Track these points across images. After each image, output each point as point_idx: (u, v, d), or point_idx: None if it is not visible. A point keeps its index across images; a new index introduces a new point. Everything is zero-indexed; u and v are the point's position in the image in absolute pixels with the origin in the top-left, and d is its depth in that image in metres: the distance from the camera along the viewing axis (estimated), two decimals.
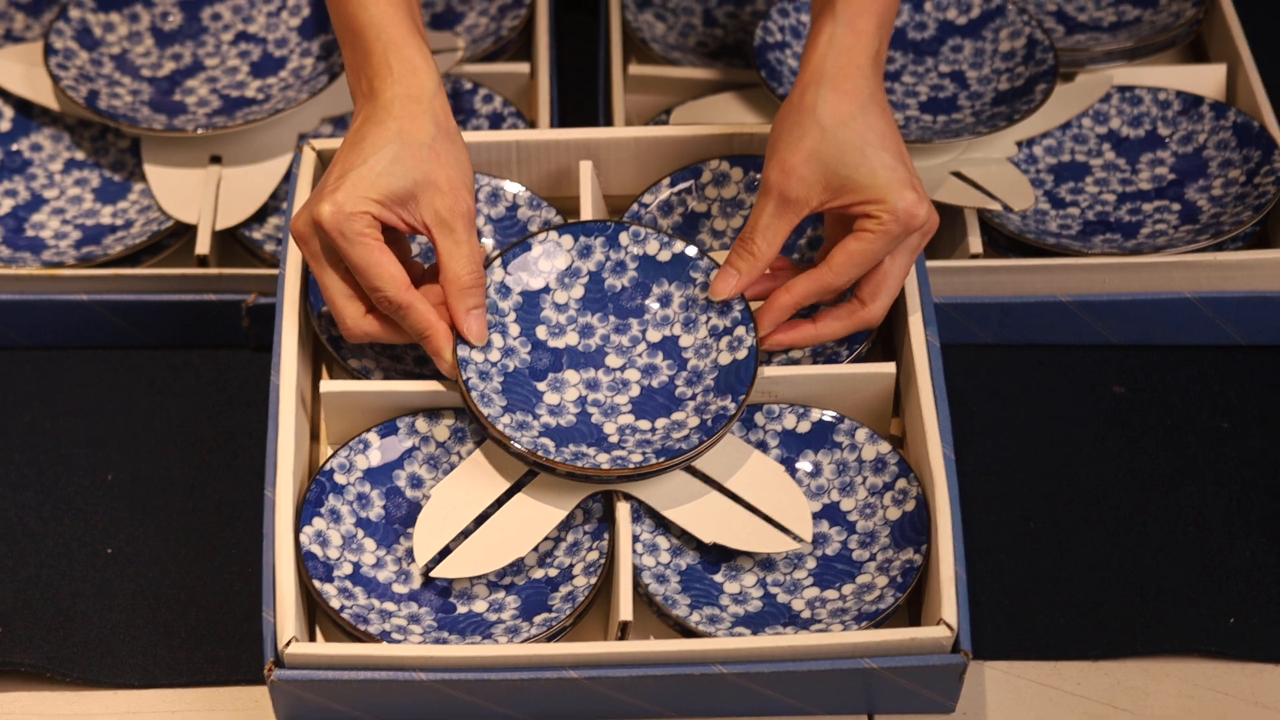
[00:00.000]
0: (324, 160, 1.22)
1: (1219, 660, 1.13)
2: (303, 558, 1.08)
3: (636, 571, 1.09)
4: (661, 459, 1.08)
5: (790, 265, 1.17)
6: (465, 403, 1.10)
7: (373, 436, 1.14)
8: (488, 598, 1.10)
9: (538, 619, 1.08)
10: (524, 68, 1.39)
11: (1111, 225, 1.31)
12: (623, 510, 1.10)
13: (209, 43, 1.40)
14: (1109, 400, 1.26)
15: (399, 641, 1.06)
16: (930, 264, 1.25)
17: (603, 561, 1.09)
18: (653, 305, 1.16)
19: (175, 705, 1.11)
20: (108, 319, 1.27)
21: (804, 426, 1.15)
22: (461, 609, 1.10)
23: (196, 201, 1.30)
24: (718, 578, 1.11)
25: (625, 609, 1.06)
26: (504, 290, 1.15)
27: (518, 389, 1.13)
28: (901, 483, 1.12)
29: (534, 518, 1.10)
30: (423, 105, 1.10)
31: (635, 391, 1.14)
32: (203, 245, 1.28)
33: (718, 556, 1.12)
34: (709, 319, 1.15)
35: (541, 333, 1.15)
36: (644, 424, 1.12)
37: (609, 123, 1.38)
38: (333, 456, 1.13)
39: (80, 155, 1.37)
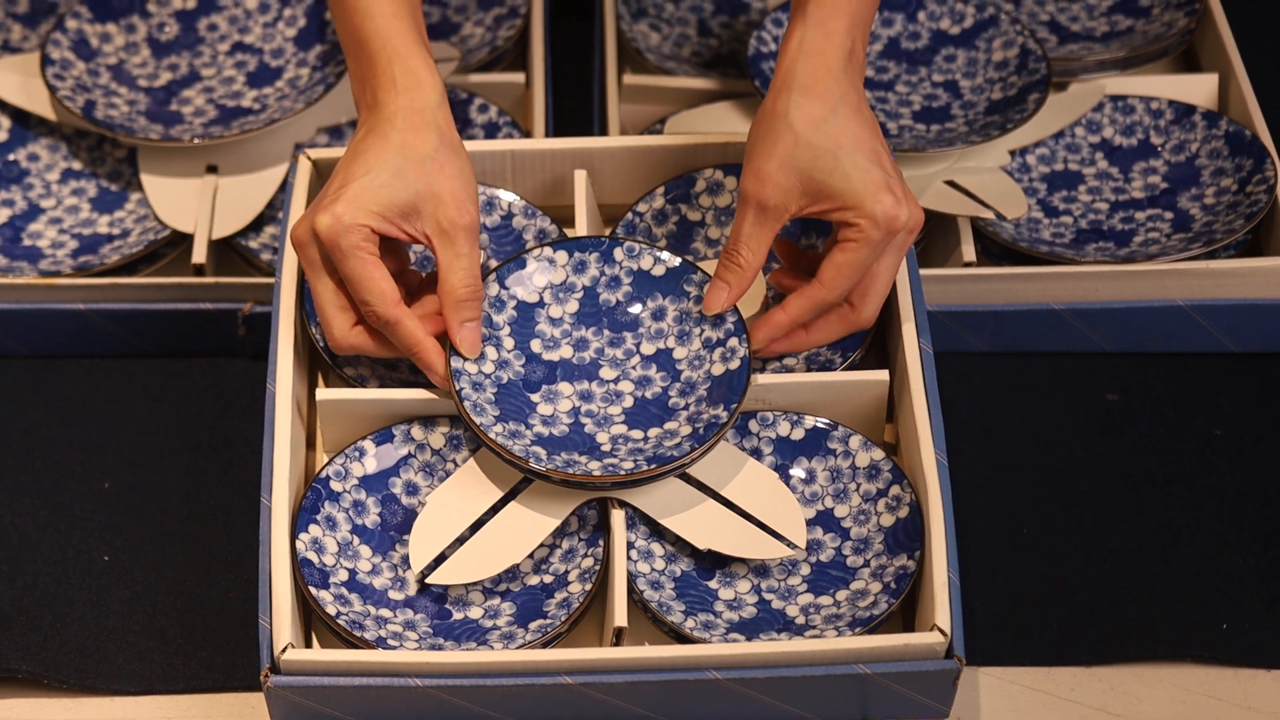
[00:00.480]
0: (319, 169, 1.23)
1: (1212, 666, 1.13)
2: (299, 564, 1.09)
3: (631, 578, 1.09)
4: (653, 466, 1.08)
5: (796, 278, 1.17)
6: (459, 412, 1.10)
7: (368, 444, 1.14)
8: (483, 604, 1.11)
9: (533, 625, 1.08)
10: (519, 77, 1.40)
11: (1104, 234, 1.31)
12: (617, 517, 1.11)
13: (205, 53, 1.40)
14: (1102, 408, 1.26)
15: (395, 648, 1.06)
16: (924, 272, 1.25)
17: (598, 568, 1.10)
18: (647, 319, 1.17)
19: (171, 711, 1.12)
20: (104, 328, 1.28)
21: (798, 434, 1.15)
22: (457, 615, 1.10)
23: (193, 211, 1.31)
24: (712, 584, 1.12)
25: (620, 615, 1.07)
26: (499, 304, 1.16)
27: (511, 400, 1.13)
28: (895, 489, 1.12)
29: (529, 525, 1.11)
30: (426, 117, 1.10)
31: (629, 402, 1.14)
32: (199, 254, 1.28)
33: (712, 563, 1.13)
34: (702, 331, 1.15)
35: (536, 346, 1.16)
36: (636, 433, 1.13)
37: (604, 132, 1.39)
38: (329, 464, 1.13)
39: (77, 165, 1.37)
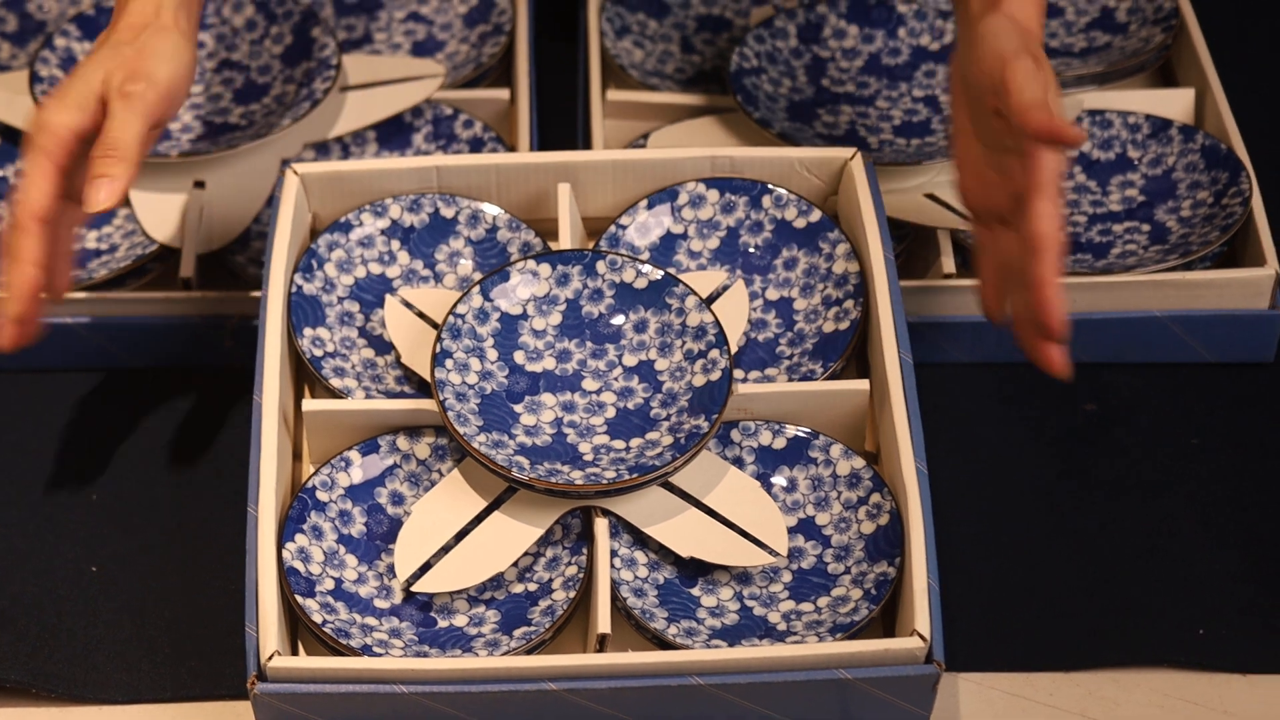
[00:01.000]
0: (306, 184, 1.24)
1: (1189, 671, 1.14)
2: (285, 573, 1.10)
3: (615, 585, 1.11)
4: (635, 475, 1.09)
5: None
6: (443, 422, 1.12)
7: (354, 454, 1.15)
8: (468, 612, 1.12)
9: (517, 632, 1.10)
10: (504, 93, 1.41)
11: (1082, 246, 1.33)
12: (601, 526, 1.12)
13: None
14: (1080, 417, 1.28)
15: (380, 655, 1.08)
16: (904, 284, 1.27)
17: (581, 576, 1.11)
18: (629, 331, 1.18)
19: None
20: (92, 341, 1.29)
21: (779, 443, 1.17)
22: (442, 623, 1.11)
23: (180, 226, 1.32)
24: (695, 591, 1.13)
25: (603, 622, 1.08)
26: (483, 316, 1.17)
27: (494, 410, 1.14)
28: (875, 497, 1.14)
29: (513, 534, 1.12)
30: (150, 11, 1.14)
31: (611, 413, 1.16)
32: (186, 268, 1.29)
33: (695, 571, 1.14)
34: (684, 343, 1.17)
35: (519, 357, 1.17)
36: (619, 443, 1.14)
37: (588, 147, 1.40)
38: (315, 474, 1.14)
39: None
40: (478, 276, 1.23)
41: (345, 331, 1.21)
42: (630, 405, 1.16)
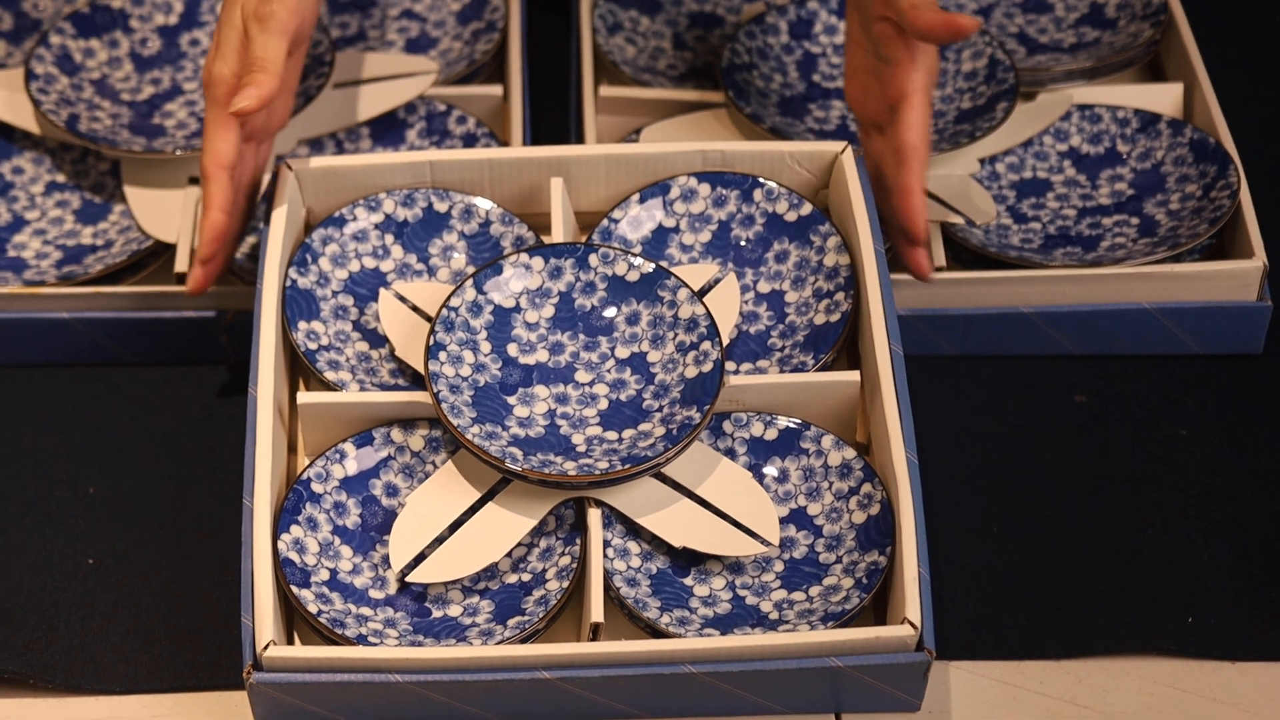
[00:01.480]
0: (300, 179, 1.25)
1: (1178, 658, 1.15)
2: (280, 564, 1.11)
3: (608, 575, 1.11)
4: (627, 466, 1.10)
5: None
6: (437, 414, 1.12)
7: (349, 447, 1.16)
8: (462, 602, 1.13)
9: (511, 622, 1.10)
10: (497, 90, 1.42)
11: (1072, 239, 1.34)
12: (594, 516, 1.13)
13: (187, 67, 1.42)
14: (1071, 409, 1.29)
15: (375, 645, 1.08)
16: (895, 276, 1.28)
17: (575, 566, 1.12)
18: (621, 323, 1.19)
19: (156, 710, 1.13)
20: (88, 336, 1.30)
21: (771, 434, 1.18)
22: (437, 613, 1.12)
23: (175, 221, 1.33)
24: (688, 581, 1.14)
25: (597, 611, 1.09)
26: (476, 309, 1.18)
27: (488, 402, 1.15)
28: (866, 487, 1.15)
29: (507, 524, 1.13)
30: None
31: (604, 405, 1.17)
32: (182, 263, 1.30)
33: (688, 561, 1.15)
34: (676, 335, 1.18)
35: (512, 350, 1.18)
36: (611, 434, 1.15)
37: (580, 142, 1.41)
38: (309, 466, 1.15)
39: (61, 178, 1.39)
40: (471, 270, 1.24)
41: (340, 325, 1.22)
42: (623, 397, 1.17)
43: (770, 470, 1.17)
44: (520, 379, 1.17)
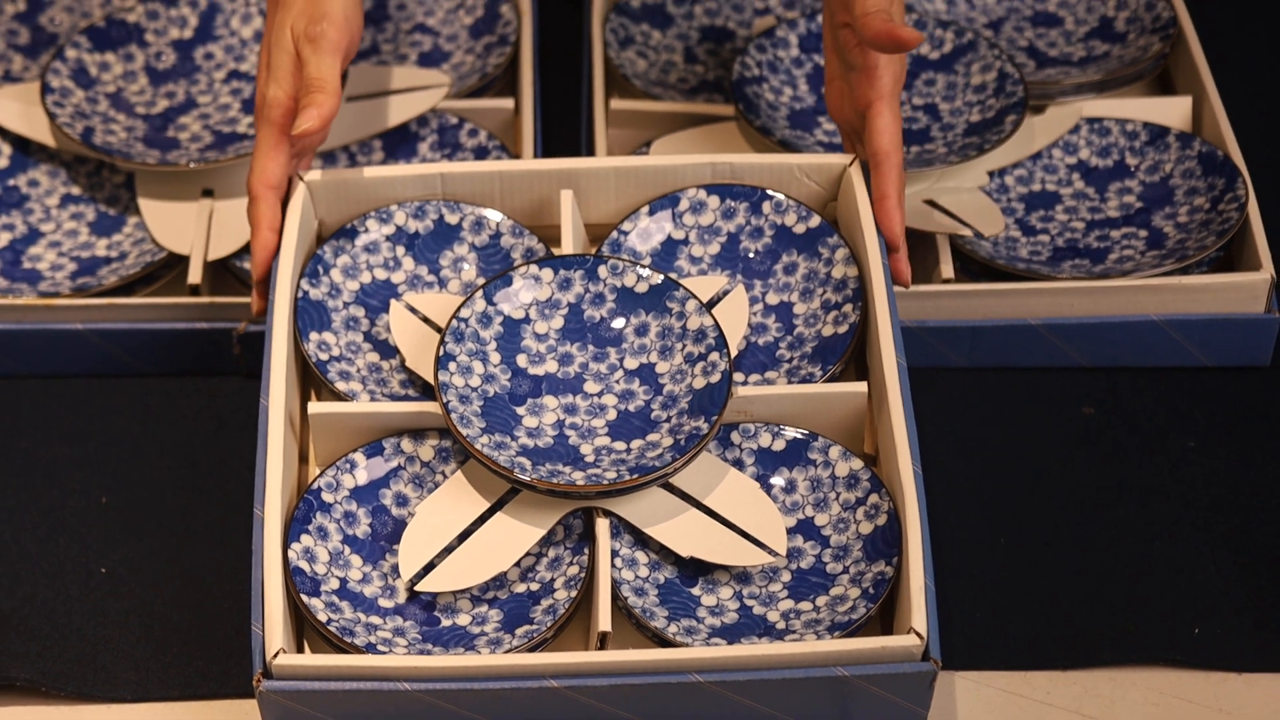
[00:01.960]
0: (312, 191, 1.26)
1: (1184, 669, 1.16)
2: (291, 573, 1.11)
3: (616, 585, 1.12)
4: (635, 476, 1.11)
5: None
6: (447, 424, 1.13)
7: (359, 457, 1.17)
8: (471, 611, 1.13)
9: (519, 631, 1.11)
10: (509, 103, 1.43)
11: (1080, 251, 1.34)
12: (602, 526, 1.13)
13: (202, 81, 1.44)
14: (1078, 421, 1.29)
15: (384, 653, 1.09)
16: (901, 289, 1.28)
17: (583, 575, 1.12)
18: (630, 334, 1.20)
19: (166, 718, 1.14)
20: (102, 347, 1.31)
21: (779, 445, 1.18)
22: (445, 622, 1.13)
23: (189, 233, 1.34)
24: (695, 591, 1.15)
25: (604, 620, 1.09)
26: (486, 320, 1.19)
27: (497, 413, 1.16)
28: (873, 498, 1.15)
29: (516, 534, 1.13)
30: None
31: (612, 415, 1.17)
32: (195, 275, 1.31)
33: (695, 571, 1.15)
34: (684, 346, 1.18)
35: (522, 361, 1.19)
36: (620, 445, 1.15)
37: (591, 155, 1.42)
38: (320, 476, 1.16)
39: (76, 190, 1.40)
40: (481, 281, 1.25)
41: (351, 336, 1.23)
42: (631, 407, 1.17)
43: (778, 481, 1.18)
44: (529, 389, 1.18)
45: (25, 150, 1.41)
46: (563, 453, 1.15)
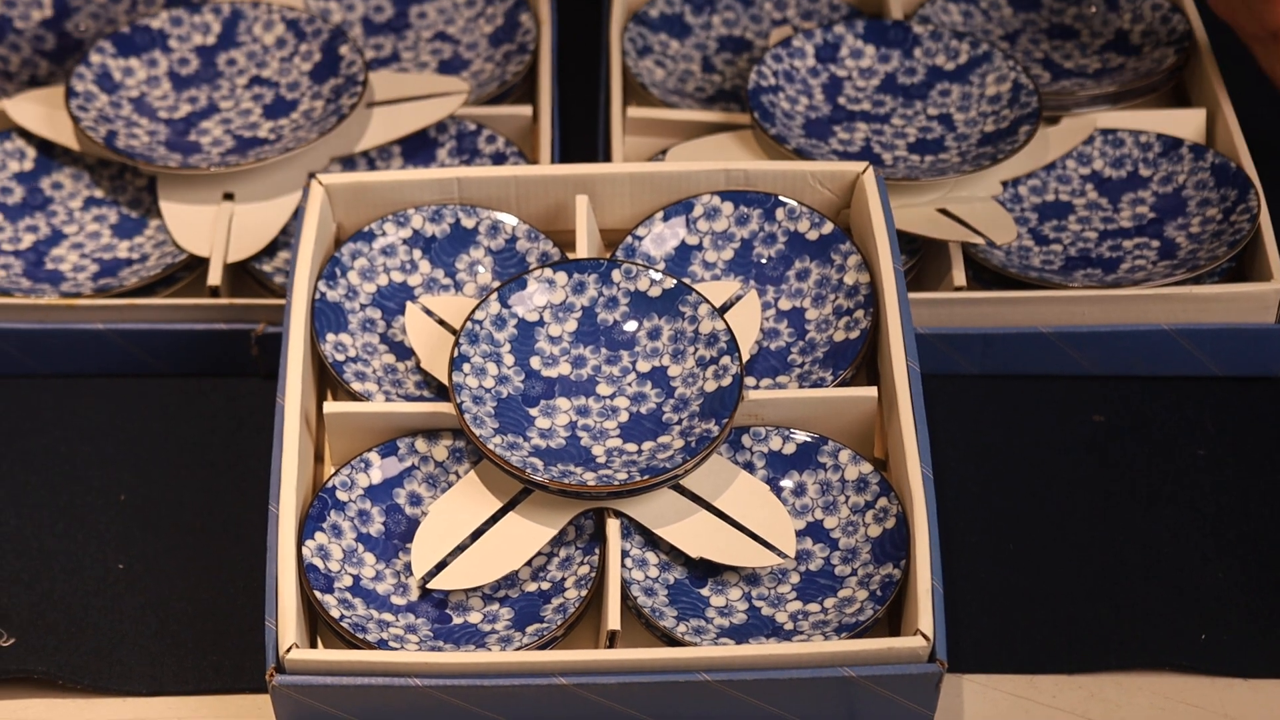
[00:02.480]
0: (330, 194, 1.27)
1: (1190, 675, 1.16)
2: (305, 570, 1.13)
3: (626, 585, 1.13)
4: (646, 477, 1.12)
5: None
6: (460, 424, 1.15)
7: (374, 456, 1.18)
8: (482, 609, 1.15)
9: (530, 629, 1.12)
10: (527, 110, 1.44)
11: (1092, 261, 1.35)
12: (613, 527, 1.14)
13: (224, 86, 1.45)
14: (1089, 428, 1.30)
15: (396, 650, 1.10)
16: (915, 295, 1.29)
17: (593, 575, 1.13)
18: (643, 338, 1.21)
19: (181, 712, 1.16)
20: (122, 347, 1.32)
21: (789, 448, 1.19)
22: (457, 620, 1.14)
23: (209, 236, 1.35)
24: (704, 591, 1.16)
25: (614, 619, 1.10)
26: (500, 322, 1.20)
27: (510, 413, 1.17)
28: (882, 501, 1.16)
29: (527, 533, 1.15)
30: None
31: (624, 417, 1.18)
32: (214, 277, 1.33)
33: (705, 572, 1.17)
34: (696, 350, 1.19)
35: (535, 363, 1.20)
36: (631, 446, 1.17)
37: (608, 162, 1.43)
38: (335, 474, 1.17)
39: (99, 193, 1.42)
40: (496, 285, 1.26)
41: (367, 337, 1.25)
42: (643, 410, 1.18)
43: (788, 484, 1.19)
44: (543, 391, 1.19)
45: (49, 153, 1.43)
46: (575, 454, 1.16)
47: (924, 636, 1.07)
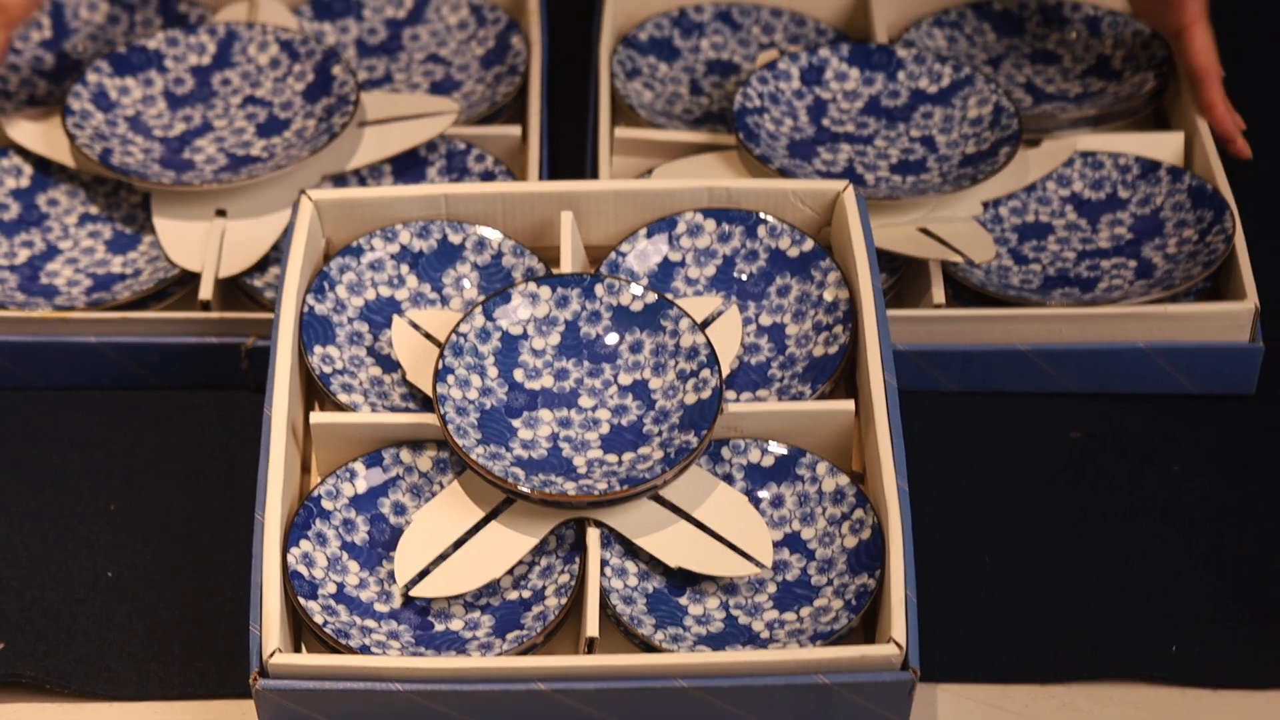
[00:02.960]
0: (320, 209, 1.29)
1: (1161, 685, 1.18)
2: (289, 576, 1.14)
3: (605, 593, 1.15)
4: (625, 487, 1.14)
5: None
6: (443, 435, 1.17)
7: (359, 466, 1.20)
8: (464, 617, 1.17)
9: (510, 636, 1.14)
10: (516, 130, 1.46)
11: (1070, 280, 1.37)
12: (593, 536, 1.16)
13: (218, 105, 1.48)
14: (1066, 445, 1.32)
15: (378, 655, 1.12)
16: (895, 313, 1.31)
17: (573, 584, 1.15)
18: (625, 351, 1.23)
19: (167, 716, 1.17)
20: (114, 360, 1.35)
21: (768, 460, 1.21)
22: (439, 627, 1.16)
23: (201, 251, 1.37)
24: (683, 600, 1.17)
25: (592, 625, 1.12)
26: (484, 335, 1.22)
27: (493, 425, 1.19)
28: (859, 513, 1.18)
29: (509, 543, 1.17)
30: None
31: (605, 429, 1.20)
32: (206, 291, 1.35)
33: (683, 581, 1.18)
34: (677, 364, 1.21)
35: (519, 375, 1.22)
36: (611, 457, 1.19)
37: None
38: (320, 484, 1.19)
39: (94, 210, 1.44)
40: (481, 298, 1.28)
41: (354, 350, 1.27)
42: (624, 422, 1.20)
43: (766, 495, 1.21)
44: (525, 403, 1.21)
45: (46, 170, 1.45)
46: (556, 464, 1.18)
47: (897, 645, 1.09)
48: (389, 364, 1.27)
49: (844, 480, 1.19)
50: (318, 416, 1.21)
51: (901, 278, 1.38)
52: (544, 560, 1.18)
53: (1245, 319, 1.31)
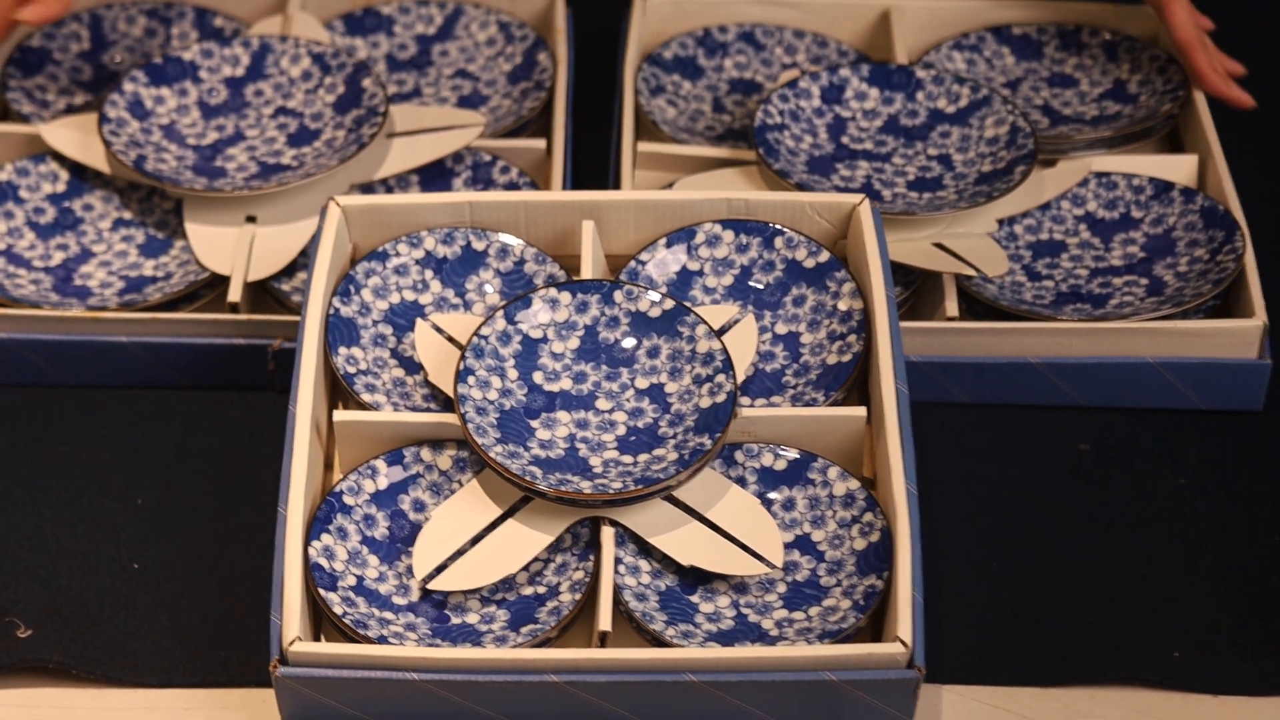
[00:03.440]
0: (347, 215, 1.32)
1: (1162, 690, 1.20)
2: (310, 568, 1.17)
3: (618, 590, 1.17)
4: (640, 486, 1.17)
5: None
6: (463, 434, 1.19)
7: (381, 463, 1.23)
8: (480, 610, 1.19)
9: (524, 629, 1.16)
10: (540, 143, 1.49)
11: (1082, 297, 1.40)
12: (607, 534, 1.19)
13: (250, 115, 1.51)
14: (1074, 457, 1.34)
15: (395, 645, 1.15)
16: (909, 324, 1.34)
17: (587, 581, 1.18)
18: (642, 356, 1.26)
19: (189, 703, 1.20)
20: (144, 359, 1.38)
21: (780, 464, 1.24)
22: (455, 620, 1.19)
23: (231, 255, 1.41)
24: (694, 598, 1.20)
25: (604, 620, 1.15)
26: (505, 338, 1.25)
27: (512, 425, 1.22)
28: (868, 516, 1.20)
29: (525, 539, 1.19)
30: None
31: (621, 431, 1.23)
32: (235, 294, 1.38)
33: (695, 580, 1.21)
34: (693, 368, 1.24)
35: (538, 378, 1.25)
36: (627, 458, 1.21)
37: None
38: (343, 480, 1.22)
39: (128, 214, 1.48)
40: (503, 303, 1.31)
41: (378, 352, 1.29)
42: (640, 424, 1.23)
43: (777, 497, 1.23)
44: (544, 404, 1.24)
45: (82, 176, 1.49)
46: (573, 464, 1.21)
47: (903, 643, 1.11)
48: (412, 366, 1.30)
49: (854, 485, 1.22)
50: (341, 414, 1.24)
51: (916, 291, 1.41)
52: (559, 557, 1.21)
53: (1254, 335, 1.33)
